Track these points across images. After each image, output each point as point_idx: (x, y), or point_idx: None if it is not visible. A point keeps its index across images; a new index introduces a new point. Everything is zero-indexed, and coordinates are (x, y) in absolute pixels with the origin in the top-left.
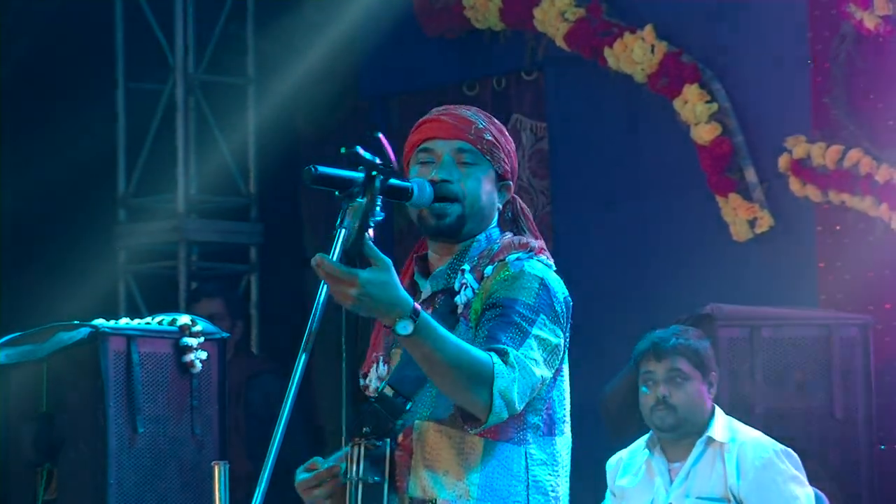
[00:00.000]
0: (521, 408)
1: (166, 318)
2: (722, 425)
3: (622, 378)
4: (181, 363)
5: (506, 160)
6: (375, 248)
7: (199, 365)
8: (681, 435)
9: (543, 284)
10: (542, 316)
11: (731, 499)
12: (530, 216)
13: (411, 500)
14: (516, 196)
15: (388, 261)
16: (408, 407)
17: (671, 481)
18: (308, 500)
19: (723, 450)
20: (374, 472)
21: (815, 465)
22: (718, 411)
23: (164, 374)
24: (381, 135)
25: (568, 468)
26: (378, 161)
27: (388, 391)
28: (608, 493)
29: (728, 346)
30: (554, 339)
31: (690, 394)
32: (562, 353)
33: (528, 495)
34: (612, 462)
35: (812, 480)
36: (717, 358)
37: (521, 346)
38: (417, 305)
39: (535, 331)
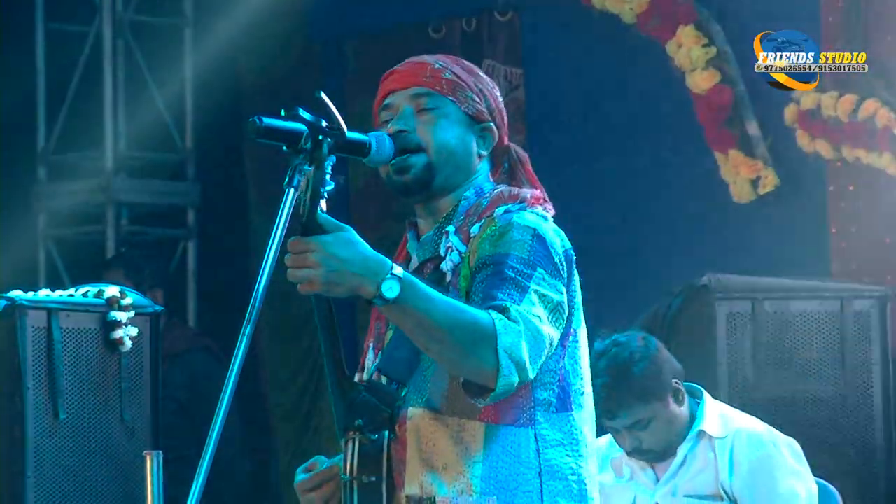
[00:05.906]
0: (534, 372)
1: (92, 289)
2: (713, 415)
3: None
4: (109, 340)
5: (477, 99)
6: (332, 218)
7: (128, 342)
8: (672, 452)
9: (537, 235)
10: (540, 270)
11: (724, 497)
12: (528, 164)
13: (408, 498)
14: (512, 144)
15: (349, 227)
16: (402, 394)
17: (657, 478)
18: (305, 502)
19: (713, 442)
20: (370, 470)
21: (825, 459)
22: (707, 399)
23: (89, 352)
24: (322, 94)
25: (591, 446)
26: (325, 123)
27: (379, 378)
28: None
29: (727, 322)
30: (556, 296)
31: (660, 428)
32: (566, 312)
33: (541, 483)
34: None
35: (823, 476)
36: (714, 334)
37: (521, 302)
38: (396, 265)
39: (533, 285)
